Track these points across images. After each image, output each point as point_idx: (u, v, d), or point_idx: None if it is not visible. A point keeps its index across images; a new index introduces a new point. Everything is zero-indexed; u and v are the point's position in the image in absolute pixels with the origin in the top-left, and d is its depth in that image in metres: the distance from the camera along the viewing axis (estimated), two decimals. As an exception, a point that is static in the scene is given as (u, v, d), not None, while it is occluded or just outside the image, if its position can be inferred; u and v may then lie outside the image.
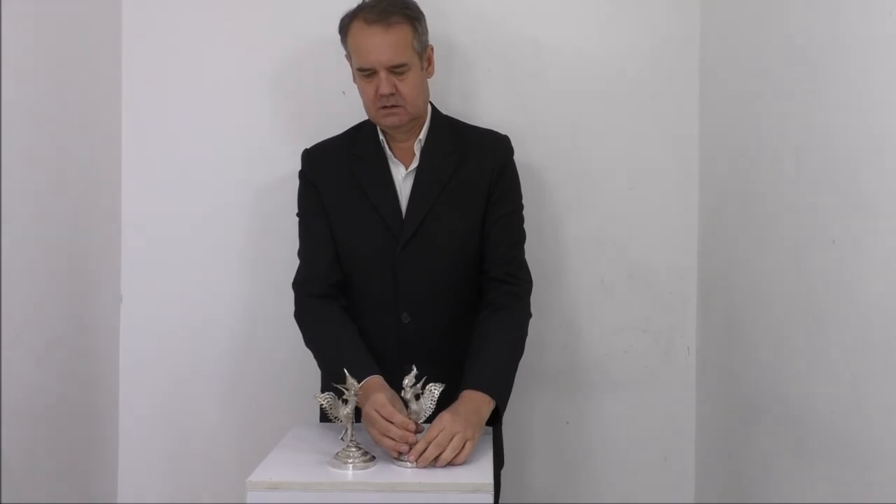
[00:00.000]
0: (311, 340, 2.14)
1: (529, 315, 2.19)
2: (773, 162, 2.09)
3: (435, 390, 1.82)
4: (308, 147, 2.27)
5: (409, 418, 1.80)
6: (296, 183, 2.27)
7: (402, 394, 1.82)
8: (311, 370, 2.39)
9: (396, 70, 2.05)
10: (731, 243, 2.36)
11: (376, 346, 2.11)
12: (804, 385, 1.92)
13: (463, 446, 1.81)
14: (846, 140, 1.75)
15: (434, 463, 1.78)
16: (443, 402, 1.87)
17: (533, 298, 2.28)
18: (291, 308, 2.21)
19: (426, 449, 1.78)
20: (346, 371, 1.81)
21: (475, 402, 1.93)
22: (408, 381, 1.79)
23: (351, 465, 1.76)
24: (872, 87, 1.66)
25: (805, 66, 1.93)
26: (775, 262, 2.07)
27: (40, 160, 2.20)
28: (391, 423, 1.81)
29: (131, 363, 2.59)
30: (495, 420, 2.01)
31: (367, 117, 2.21)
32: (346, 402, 1.80)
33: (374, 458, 1.80)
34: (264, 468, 1.77)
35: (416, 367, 1.84)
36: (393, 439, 1.80)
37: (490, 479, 1.73)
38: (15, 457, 2.07)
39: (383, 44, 2.04)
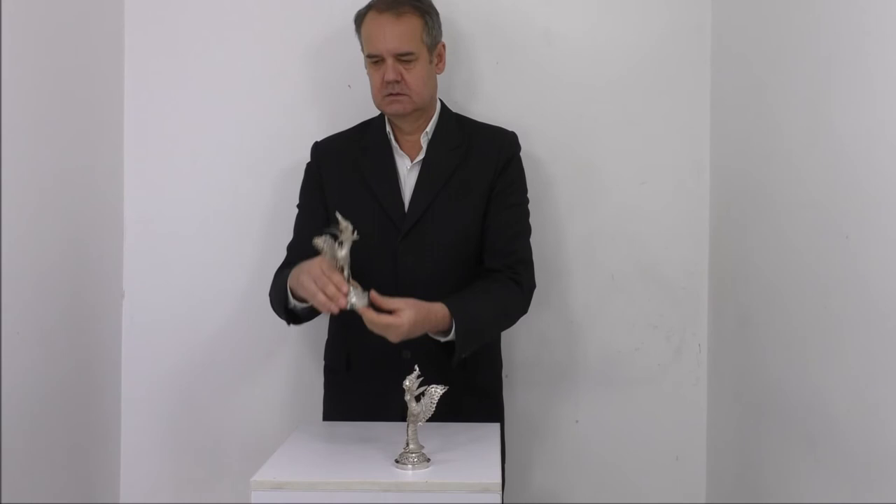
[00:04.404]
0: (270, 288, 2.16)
1: (524, 307, 2.19)
2: (785, 156, 2.07)
3: (436, 392, 1.79)
4: (318, 140, 2.29)
5: (408, 420, 1.78)
6: (298, 178, 2.28)
7: (404, 395, 1.79)
8: (315, 369, 2.38)
9: (403, 58, 2.10)
10: (742, 239, 2.34)
11: (377, 334, 2.11)
12: (817, 383, 1.91)
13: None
14: (859, 134, 1.73)
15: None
16: (441, 405, 1.83)
17: (542, 295, 2.27)
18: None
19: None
20: (337, 215, 1.86)
21: (440, 321, 1.97)
22: (409, 382, 1.77)
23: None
24: (886, 80, 1.64)
25: (818, 59, 1.91)
26: (788, 257, 2.05)
27: (42, 155, 2.19)
28: (331, 280, 1.85)
29: (133, 360, 2.58)
30: (450, 355, 2.02)
31: (373, 113, 2.23)
32: (341, 244, 1.84)
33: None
34: (269, 467, 1.76)
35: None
36: (327, 296, 1.84)
37: (498, 479, 1.71)
38: (15, 456, 2.06)
39: (392, 32, 2.10)
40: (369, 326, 1.89)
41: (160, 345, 2.57)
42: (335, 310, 1.85)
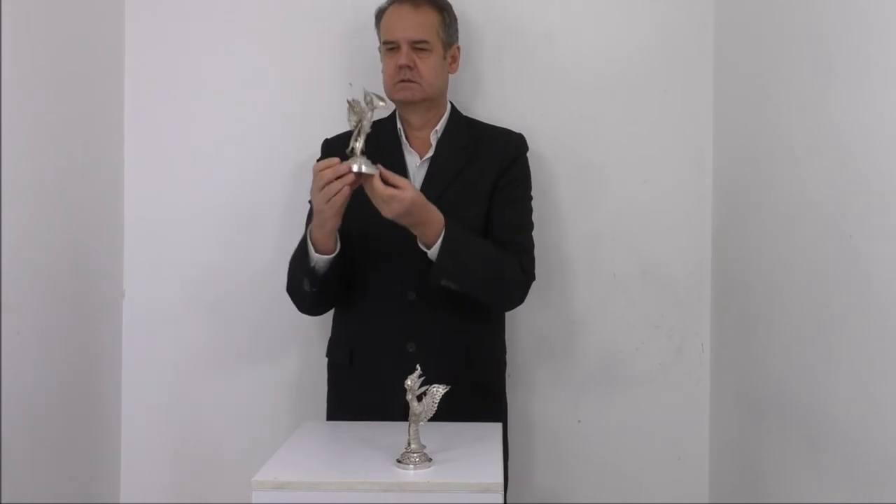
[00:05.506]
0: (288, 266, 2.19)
1: (521, 289, 2.19)
2: (788, 155, 2.06)
3: (437, 392, 1.79)
4: (328, 137, 2.31)
5: (410, 420, 1.77)
6: (299, 178, 2.30)
7: (406, 395, 1.78)
8: (317, 368, 2.37)
9: (418, 46, 2.18)
10: (745, 238, 2.33)
11: (382, 325, 2.17)
12: (820, 383, 1.90)
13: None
14: (862, 133, 1.73)
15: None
16: (444, 403, 1.82)
17: (543, 294, 2.26)
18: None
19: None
20: (364, 88, 1.92)
21: (434, 223, 2.01)
22: (411, 381, 1.76)
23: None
24: (890, 79, 1.63)
25: (821, 57, 1.90)
26: (791, 257, 2.05)
27: (42, 155, 2.19)
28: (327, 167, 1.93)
29: (133, 360, 2.57)
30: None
31: (374, 116, 2.21)
32: (359, 134, 1.90)
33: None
34: (270, 467, 1.74)
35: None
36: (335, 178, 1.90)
37: (500, 479, 1.70)
38: (15, 456, 2.05)
39: (409, 21, 2.19)
40: (372, 195, 1.93)
41: (160, 345, 2.56)
42: (350, 178, 1.89)
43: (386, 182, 1.93)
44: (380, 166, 1.94)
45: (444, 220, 2.03)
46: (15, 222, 2.04)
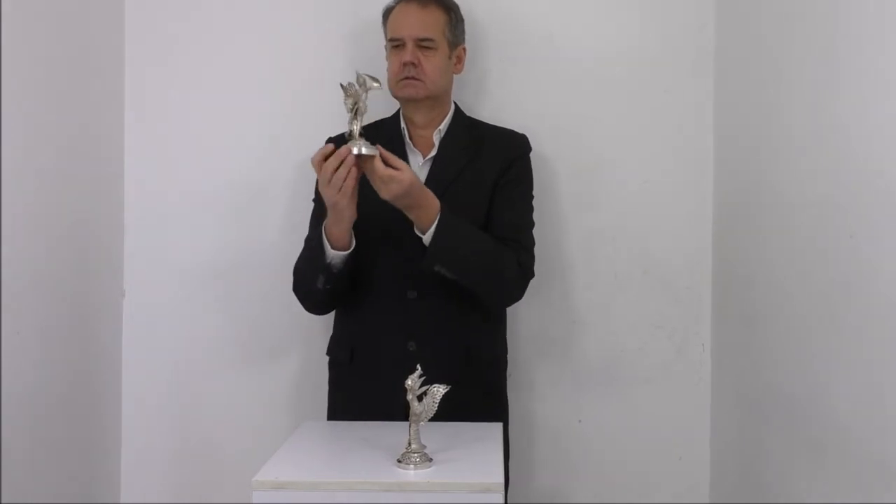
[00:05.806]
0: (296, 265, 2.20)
1: (517, 284, 2.18)
2: (789, 154, 2.07)
3: (438, 392, 1.78)
4: (332, 136, 2.29)
5: (411, 420, 1.76)
6: (300, 177, 2.30)
7: (406, 395, 1.78)
8: (318, 367, 2.37)
9: (423, 44, 2.19)
10: (746, 238, 2.33)
11: (382, 323, 2.17)
12: (821, 383, 1.90)
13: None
14: (863, 132, 1.73)
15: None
16: (445, 403, 1.82)
17: (544, 294, 2.25)
18: (297, 303, 2.20)
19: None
20: (356, 71, 1.93)
21: (430, 206, 2.02)
22: (411, 381, 1.76)
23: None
24: (891, 78, 1.63)
25: (822, 56, 1.90)
26: (792, 256, 2.05)
27: (42, 155, 2.19)
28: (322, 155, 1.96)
29: (133, 360, 2.57)
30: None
31: (377, 111, 2.23)
32: (356, 116, 1.93)
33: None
34: (270, 467, 1.74)
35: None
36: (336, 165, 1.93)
37: (501, 479, 1.70)
38: (15, 456, 2.05)
39: (416, 19, 2.20)
40: (371, 176, 1.94)
41: (160, 345, 2.56)
42: (351, 160, 1.92)
43: (385, 163, 1.94)
44: (379, 147, 1.95)
45: (441, 205, 2.03)
46: (15, 223, 2.03)
